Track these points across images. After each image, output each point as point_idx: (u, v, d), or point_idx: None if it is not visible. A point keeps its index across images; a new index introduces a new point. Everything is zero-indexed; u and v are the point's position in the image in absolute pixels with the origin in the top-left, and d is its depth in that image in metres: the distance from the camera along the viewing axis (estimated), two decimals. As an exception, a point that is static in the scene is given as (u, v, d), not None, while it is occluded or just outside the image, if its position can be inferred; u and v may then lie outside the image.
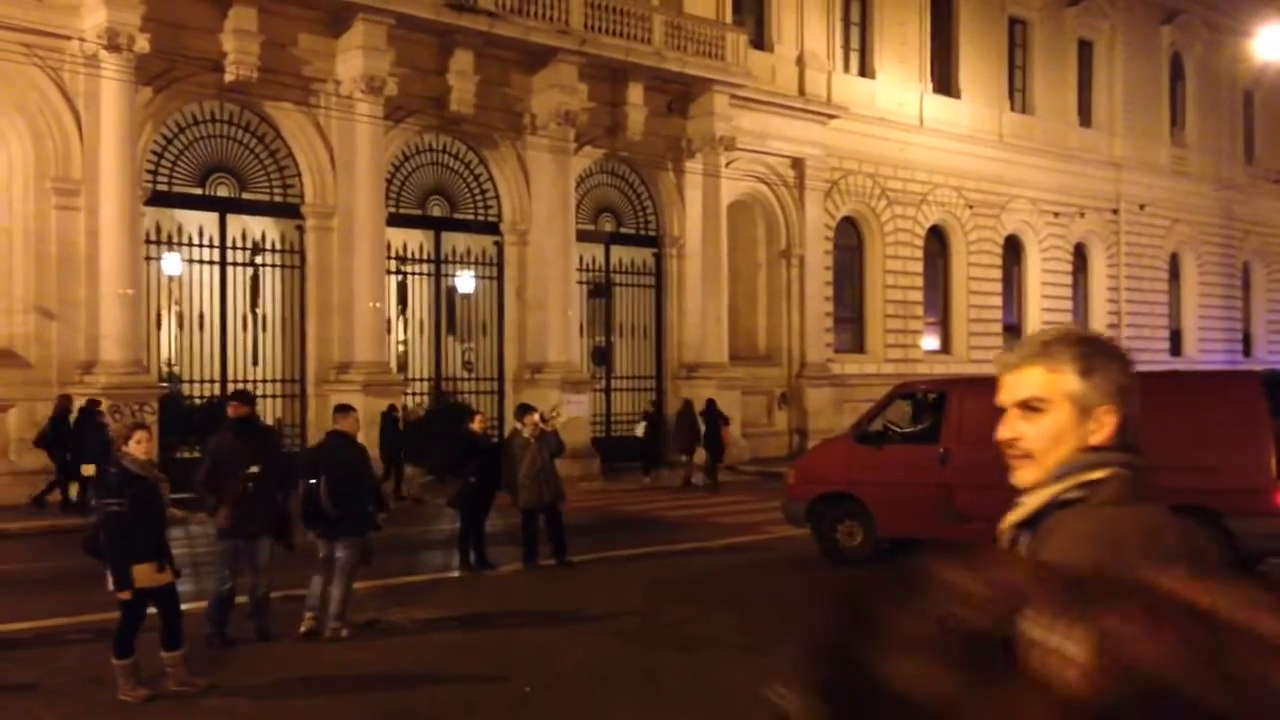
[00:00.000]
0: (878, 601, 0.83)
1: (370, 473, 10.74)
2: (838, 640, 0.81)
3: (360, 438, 11.17)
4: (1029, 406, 2.09)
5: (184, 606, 8.67)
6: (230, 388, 21.41)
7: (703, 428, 23.35)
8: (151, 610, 8.19)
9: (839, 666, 0.80)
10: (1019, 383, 2.12)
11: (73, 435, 17.67)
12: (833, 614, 0.83)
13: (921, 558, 0.90)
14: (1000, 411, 2.18)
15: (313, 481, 10.09)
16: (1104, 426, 2.05)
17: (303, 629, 9.97)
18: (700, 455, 23.24)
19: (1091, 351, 2.08)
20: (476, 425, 14.07)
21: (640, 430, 24.74)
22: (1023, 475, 2.12)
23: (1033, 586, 0.84)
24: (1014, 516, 2.14)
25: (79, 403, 17.98)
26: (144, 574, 7.97)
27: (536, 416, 13.81)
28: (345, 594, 10.08)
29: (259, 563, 9.93)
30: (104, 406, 17.82)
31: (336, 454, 10.40)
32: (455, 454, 13.89)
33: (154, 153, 20.68)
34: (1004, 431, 2.13)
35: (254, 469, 9.83)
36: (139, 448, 8.19)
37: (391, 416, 20.62)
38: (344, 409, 11.17)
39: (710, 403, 23.89)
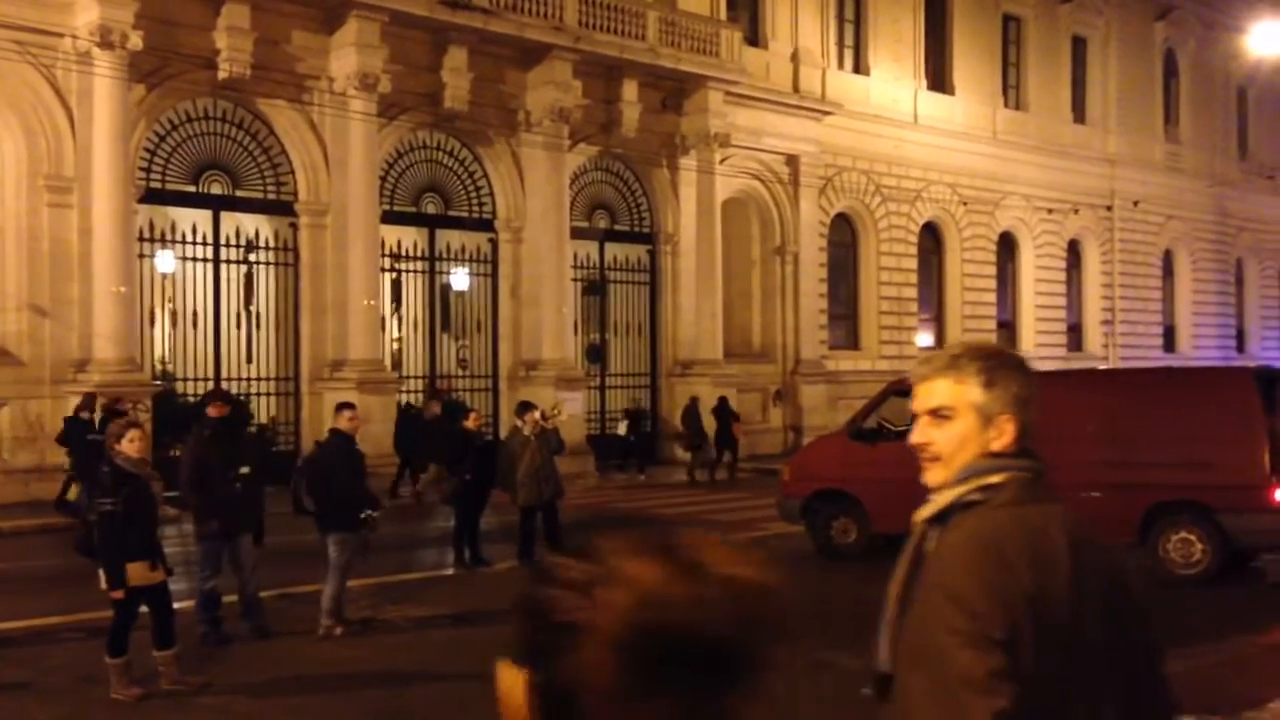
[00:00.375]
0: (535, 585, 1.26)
1: (360, 470, 10.74)
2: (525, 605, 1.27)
3: (368, 434, 11.20)
4: (938, 414, 2.33)
5: (176, 605, 8.65)
6: (225, 386, 21.40)
7: (715, 424, 23.62)
8: (144, 609, 8.18)
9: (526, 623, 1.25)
10: (930, 392, 2.36)
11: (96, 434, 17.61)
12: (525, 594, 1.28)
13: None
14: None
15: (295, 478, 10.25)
16: (1004, 434, 2.30)
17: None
18: (709, 452, 23.49)
19: (994, 365, 2.33)
20: (470, 423, 14.10)
21: (623, 429, 24.78)
22: (932, 476, 2.37)
23: (597, 555, 1.24)
24: (924, 513, 2.37)
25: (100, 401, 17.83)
26: (136, 572, 7.95)
27: (537, 414, 13.80)
28: (336, 591, 10.07)
29: (244, 561, 9.88)
30: (137, 406, 17.78)
31: (331, 451, 10.49)
32: (450, 452, 13.91)
33: (147, 150, 20.64)
34: (916, 436, 2.37)
35: (244, 469, 9.82)
36: (131, 446, 8.17)
37: (409, 414, 20.61)
38: (342, 406, 11.21)
39: (722, 400, 24.10)
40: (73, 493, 17.64)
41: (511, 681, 1.27)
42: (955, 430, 2.32)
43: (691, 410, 24.16)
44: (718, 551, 1.25)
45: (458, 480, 13.39)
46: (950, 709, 2.08)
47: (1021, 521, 2.21)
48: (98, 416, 17.19)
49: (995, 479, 2.28)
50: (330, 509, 10.25)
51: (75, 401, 17.86)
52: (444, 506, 14.44)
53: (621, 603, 1.19)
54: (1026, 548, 2.15)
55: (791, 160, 29.85)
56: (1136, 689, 2.31)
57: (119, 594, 7.91)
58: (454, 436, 14.21)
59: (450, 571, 13.42)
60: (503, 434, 18.36)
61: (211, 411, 10.37)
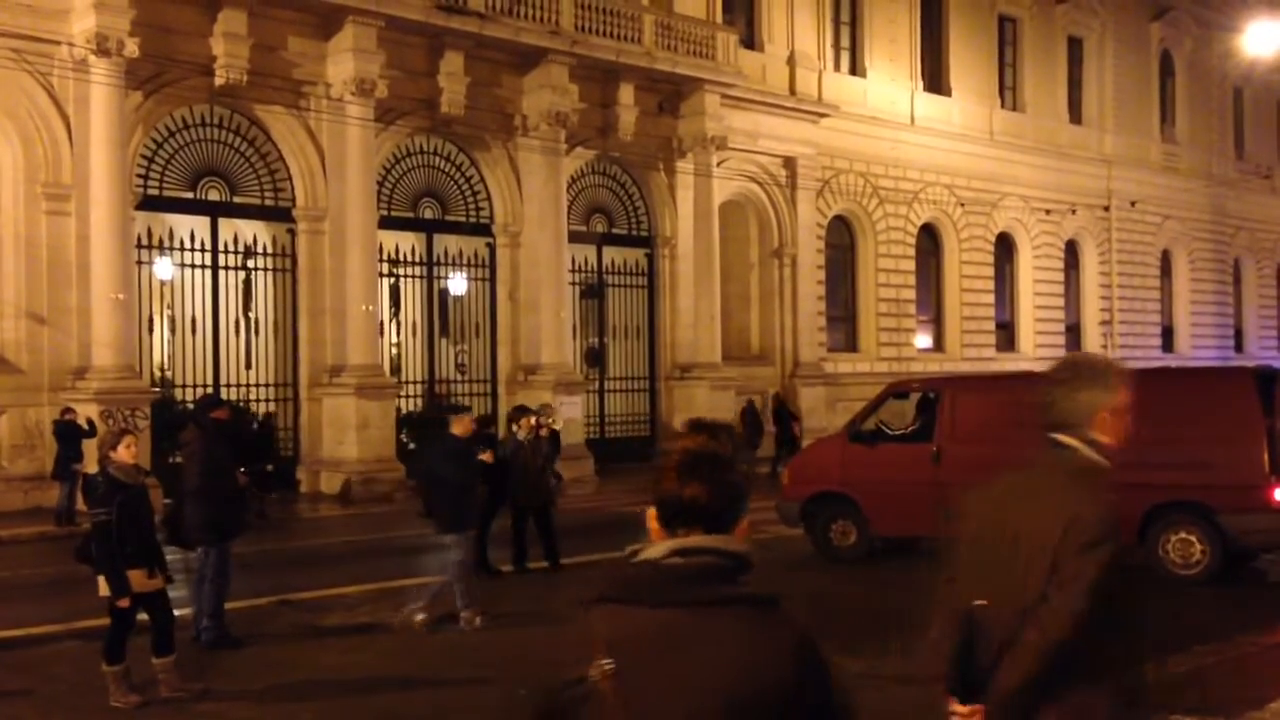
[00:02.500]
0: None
1: (475, 473, 11.32)
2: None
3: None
4: None
5: (176, 612, 8.64)
6: (224, 392, 21.38)
7: (772, 427, 23.70)
8: (142, 616, 8.16)
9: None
10: None
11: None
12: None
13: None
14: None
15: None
16: None
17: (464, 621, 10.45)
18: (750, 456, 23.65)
19: None
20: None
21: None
22: None
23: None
24: None
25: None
26: (134, 580, 7.93)
27: (532, 419, 13.77)
28: (467, 587, 10.55)
29: (227, 568, 9.88)
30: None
31: (444, 455, 11.04)
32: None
33: (144, 157, 20.63)
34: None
35: (242, 471, 9.86)
36: (127, 453, 8.15)
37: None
38: (457, 410, 11.91)
39: (778, 398, 24.26)
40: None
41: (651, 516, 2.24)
42: None
43: (749, 412, 24.29)
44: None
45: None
46: None
47: None
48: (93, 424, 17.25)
49: None
50: (446, 510, 10.64)
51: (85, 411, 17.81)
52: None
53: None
54: None
55: (789, 163, 29.86)
56: None
57: (125, 603, 7.89)
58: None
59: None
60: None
61: (222, 415, 10.49)
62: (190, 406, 21.08)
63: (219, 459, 9.87)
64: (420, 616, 10.33)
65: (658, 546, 2.17)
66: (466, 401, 24.42)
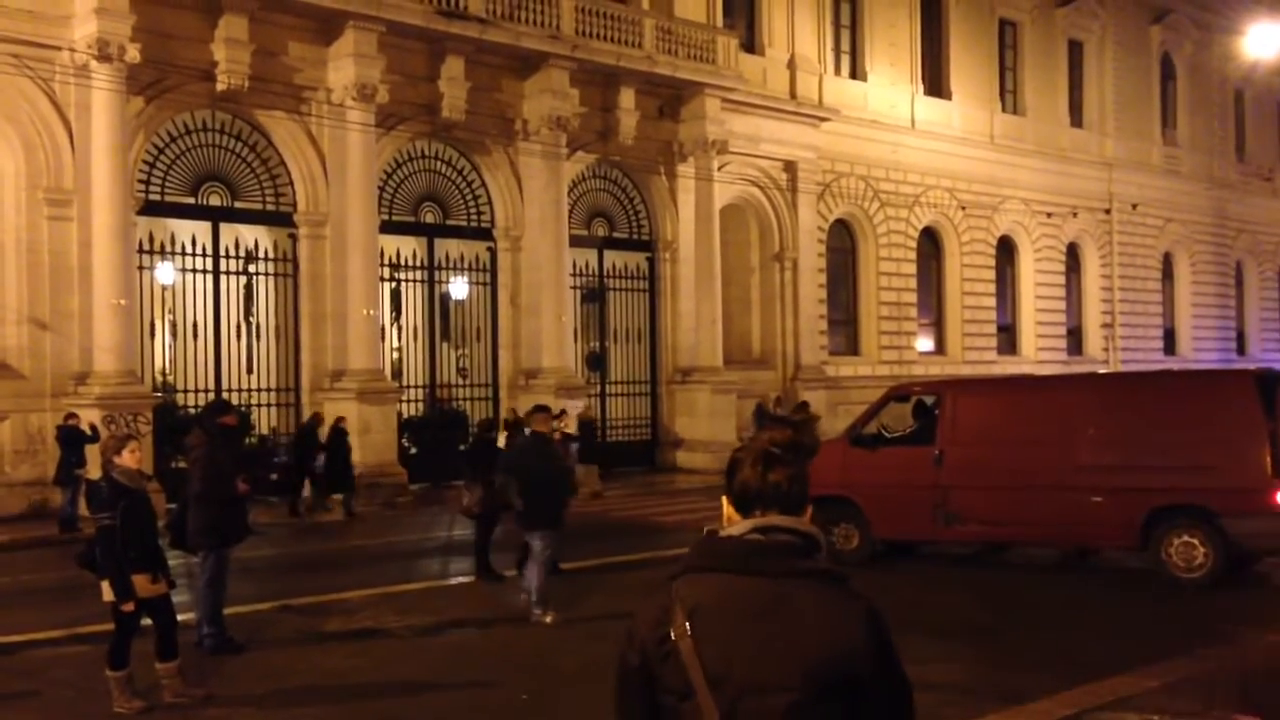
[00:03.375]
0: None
1: (561, 469, 11.57)
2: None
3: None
4: None
5: (179, 617, 8.64)
6: (226, 397, 21.39)
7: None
8: (146, 621, 8.16)
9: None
10: None
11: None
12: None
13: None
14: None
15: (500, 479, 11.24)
16: None
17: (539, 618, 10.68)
18: None
19: None
20: (502, 431, 14.06)
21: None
22: None
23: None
24: None
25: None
26: (138, 585, 7.92)
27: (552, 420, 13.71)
28: (542, 581, 10.77)
29: (224, 574, 9.90)
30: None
31: (528, 452, 11.24)
32: (476, 463, 13.76)
33: (146, 162, 20.65)
34: None
35: (242, 481, 9.86)
36: (130, 458, 8.15)
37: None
38: (540, 409, 11.95)
39: (803, 405, 24.42)
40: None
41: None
42: None
43: (759, 412, 25.09)
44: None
45: (484, 492, 13.27)
46: None
47: None
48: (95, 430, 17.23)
49: None
50: (531, 506, 10.80)
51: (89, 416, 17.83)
52: (465, 518, 14.29)
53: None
54: None
55: (789, 166, 29.88)
56: None
57: (129, 606, 7.89)
58: (479, 448, 14.32)
59: (452, 581, 13.41)
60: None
61: (228, 421, 10.59)
62: (194, 411, 21.20)
63: (221, 464, 9.87)
64: (549, 618, 10.63)
65: (739, 525, 2.44)
66: (467, 406, 24.51)
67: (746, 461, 2.46)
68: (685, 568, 2.44)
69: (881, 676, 2.34)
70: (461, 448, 21.50)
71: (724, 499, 2.51)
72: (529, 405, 17.98)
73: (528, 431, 11.74)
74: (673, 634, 2.35)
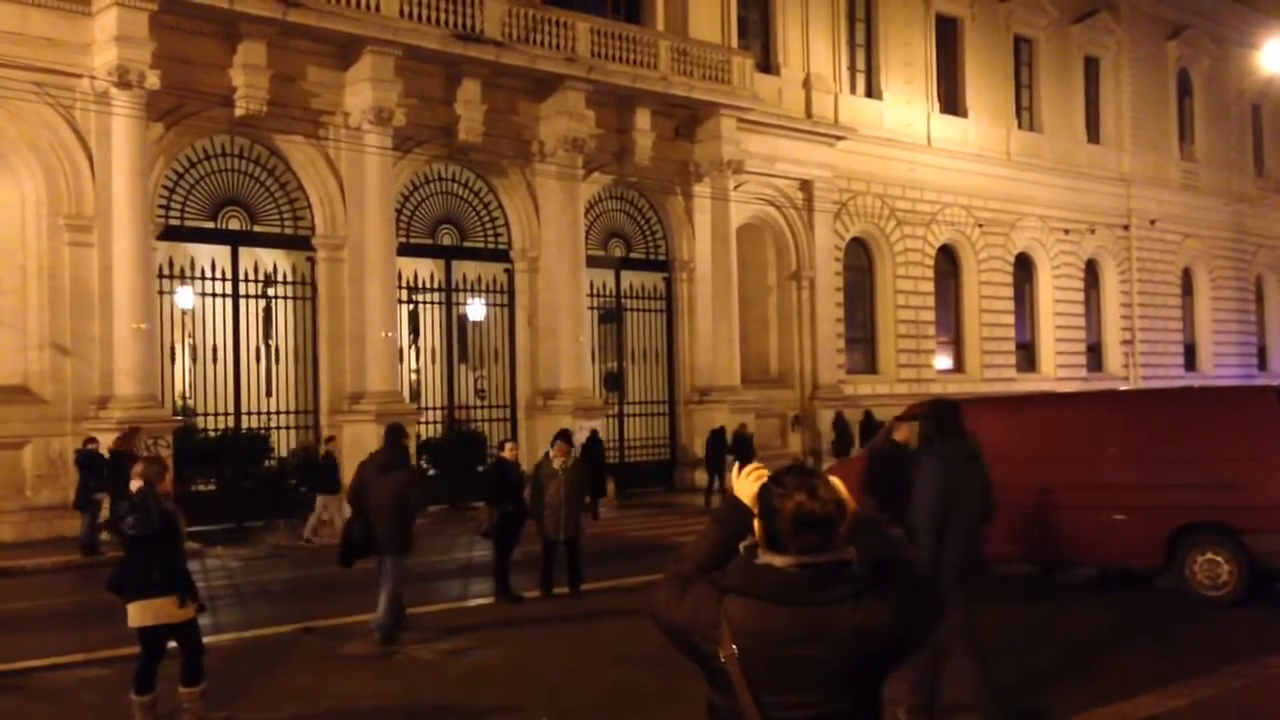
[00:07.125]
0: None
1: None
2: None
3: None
4: None
5: (205, 640, 8.64)
6: (245, 420, 21.50)
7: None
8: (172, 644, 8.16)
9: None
10: None
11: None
12: None
13: None
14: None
15: None
16: None
17: None
18: None
19: None
20: (508, 454, 13.95)
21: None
22: None
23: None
24: None
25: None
26: (165, 609, 7.90)
27: (568, 448, 13.66)
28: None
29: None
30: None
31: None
32: (490, 484, 13.75)
33: (165, 188, 20.80)
34: None
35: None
36: (165, 484, 8.14)
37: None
38: (907, 417, 12.90)
39: (867, 413, 25.07)
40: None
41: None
42: None
43: (839, 422, 27.66)
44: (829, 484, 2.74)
45: (498, 513, 13.26)
46: None
47: None
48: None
49: None
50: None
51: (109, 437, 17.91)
52: (482, 539, 14.28)
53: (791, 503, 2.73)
54: None
55: (805, 185, 29.91)
56: None
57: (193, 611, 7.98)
58: (492, 469, 14.26)
59: (473, 603, 13.38)
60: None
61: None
62: (211, 435, 21.26)
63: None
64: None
65: (778, 559, 2.74)
66: (485, 427, 24.51)
67: (784, 515, 2.73)
68: (729, 588, 2.74)
69: (912, 627, 2.74)
70: (479, 469, 21.55)
71: (756, 524, 2.79)
72: (547, 426, 18.05)
73: (897, 439, 12.51)
74: (722, 655, 2.69)
